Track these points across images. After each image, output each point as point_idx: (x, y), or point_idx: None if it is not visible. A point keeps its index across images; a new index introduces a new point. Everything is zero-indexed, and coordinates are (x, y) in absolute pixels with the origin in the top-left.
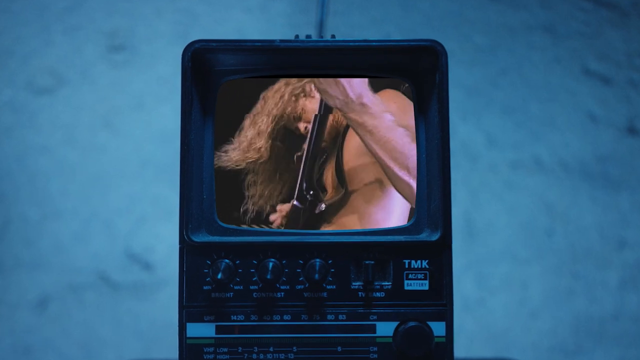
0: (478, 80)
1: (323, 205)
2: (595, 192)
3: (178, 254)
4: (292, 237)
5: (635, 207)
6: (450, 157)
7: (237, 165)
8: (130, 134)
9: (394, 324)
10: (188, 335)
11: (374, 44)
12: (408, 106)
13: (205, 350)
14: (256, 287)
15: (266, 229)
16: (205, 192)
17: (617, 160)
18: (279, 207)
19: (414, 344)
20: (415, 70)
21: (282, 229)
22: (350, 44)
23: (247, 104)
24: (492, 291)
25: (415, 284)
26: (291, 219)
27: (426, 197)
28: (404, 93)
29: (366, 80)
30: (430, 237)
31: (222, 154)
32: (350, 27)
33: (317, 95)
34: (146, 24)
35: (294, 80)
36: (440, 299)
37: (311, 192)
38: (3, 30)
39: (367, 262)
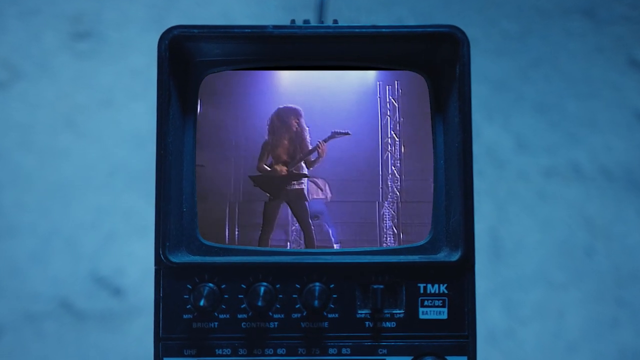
0: (506, 73)
1: None
2: None
3: (154, 276)
4: (288, 257)
5: None
6: (474, 164)
7: None
8: (97, 136)
9: None
10: None
11: (384, 30)
12: None
13: None
14: (245, 315)
15: (256, 247)
16: (185, 204)
17: None
18: None
19: None
20: (432, 62)
21: (277, 249)
22: (356, 30)
23: (234, 100)
24: (523, 321)
25: (432, 312)
26: None
27: (444, 211)
28: None
29: None
30: (449, 257)
31: None
32: (355, 10)
33: None
34: (115, 7)
35: None
36: (461, 329)
37: None
38: None
39: (375, 286)
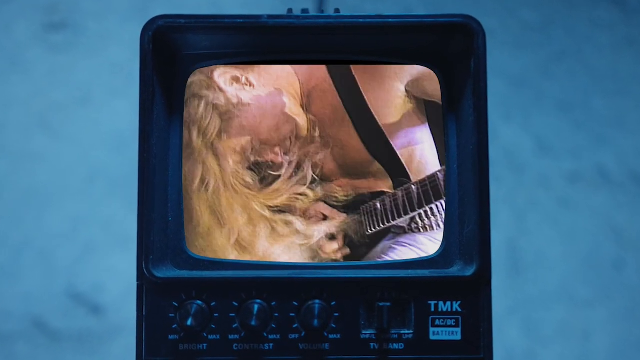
0: (526, 67)
1: None
2: None
3: (136, 293)
4: (284, 271)
5: None
6: (490, 168)
7: None
8: (74, 138)
9: None
10: None
11: (391, 20)
12: None
13: None
14: (237, 336)
15: (249, 261)
16: (171, 213)
17: None
18: None
19: None
20: (444, 55)
21: (272, 262)
22: (360, 21)
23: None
24: (544, 342)
25: (444, 333)
26: None
27: (458, 220)
28: None
29: None
30: (463, 271)
31: None
32: None
33: None
34: None
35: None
36: (476, 351)
37: None
38: None
39: (381, 303)
